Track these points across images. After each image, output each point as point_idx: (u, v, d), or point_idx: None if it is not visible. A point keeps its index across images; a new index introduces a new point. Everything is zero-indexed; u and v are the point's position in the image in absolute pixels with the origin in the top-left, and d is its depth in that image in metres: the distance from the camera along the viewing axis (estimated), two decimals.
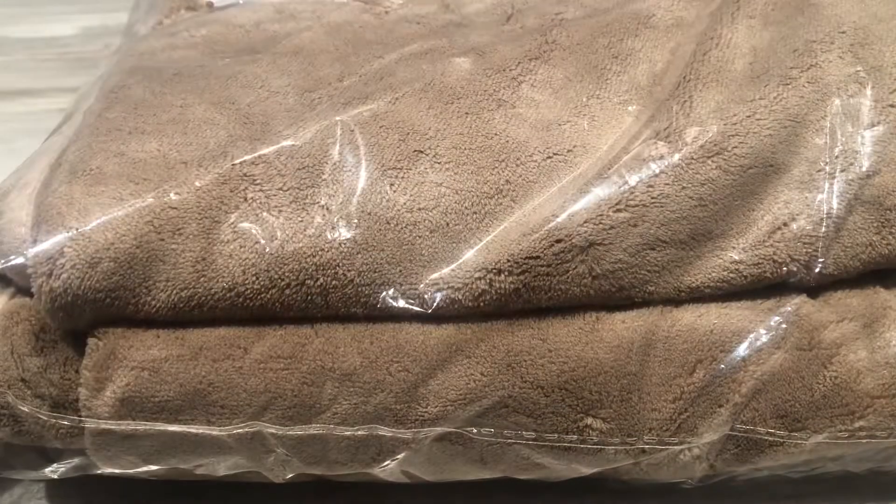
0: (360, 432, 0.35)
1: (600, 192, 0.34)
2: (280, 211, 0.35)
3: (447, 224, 0.34)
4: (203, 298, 0.34)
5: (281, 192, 0.35)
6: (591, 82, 0.38)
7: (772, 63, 0.37)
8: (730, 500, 0.41)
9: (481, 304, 0.34)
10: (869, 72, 0.36)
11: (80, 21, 0.70)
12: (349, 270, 0.34)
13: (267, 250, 0.34)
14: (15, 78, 0.66)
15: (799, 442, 0.36)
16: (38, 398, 0.35)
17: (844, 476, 0.41)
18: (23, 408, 0.35)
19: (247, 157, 0.36)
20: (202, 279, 0.34)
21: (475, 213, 0.35)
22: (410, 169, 0.35)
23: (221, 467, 0.37)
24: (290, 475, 0.37)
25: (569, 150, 0.36)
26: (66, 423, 0.36)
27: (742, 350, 0.35)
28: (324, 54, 0.40)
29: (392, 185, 0.35)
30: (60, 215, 0.34)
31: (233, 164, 0.35)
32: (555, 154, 0.36)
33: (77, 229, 0.34)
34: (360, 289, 0.34)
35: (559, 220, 0.34)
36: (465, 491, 0.41)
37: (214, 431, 0.35)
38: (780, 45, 0.37)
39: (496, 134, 0.36)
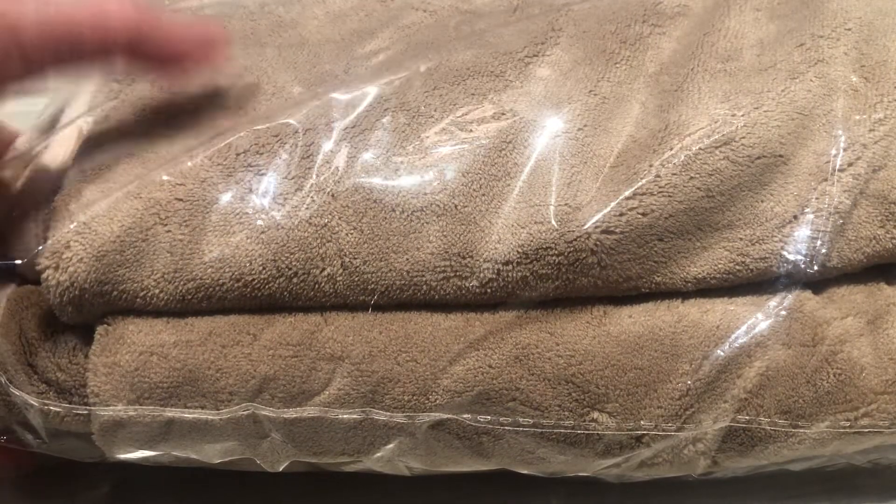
0: (355, 416, 0.35)
1: (611, 182, 0.34)
2: (286, 199, 0.35)
3: (455, 207, 0.34)
4: (211, 289, 0.34)
5: (286, 180, 0.35)
6: (601, 65, 0.38)
7: (779, 56, 0.37)
8: (731, 499, 0.41)
9: (488, 290, 0.35)
10: (874, 67, 0.36)
11: None
12: (355, 259, 0.34)
13: (273, 240, 0.34)
14: None
15: (802, 435, 0.36)
16: (45, 383, 0.36)
17: (845, 475, 0.41)
18: (26, 394, 0.35)
19: (251, 148, 0.36)
20: (210, 270, 0.34)
21: (483, 195, 0.35)
22: (417, 153, 0.35)
23: (220, 453, 0.37)
24: (284, 464, 0.37)
25: (579, 129, 0.36)
26: (73, 408, 0.36)
27: (746, 346, 0.35)
28: (329, 45, 0.40)
29: (398, 170, 0.35)
30: (69, 211, 0.35)
31: (237, 155, 0.35)
32: (564, 133, 0.36)
33: (83, 223, 0.34)
34: (366, 276, 0.34)
35: (571, 210, 0.34)
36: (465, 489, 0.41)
37: (215, 416, 0.35)
38: (786, 38, 0.37)
39: (503, 113, 0.36)
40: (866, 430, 0.36)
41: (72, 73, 0.35)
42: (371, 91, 0.37)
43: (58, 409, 0.36)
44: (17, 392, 0.35)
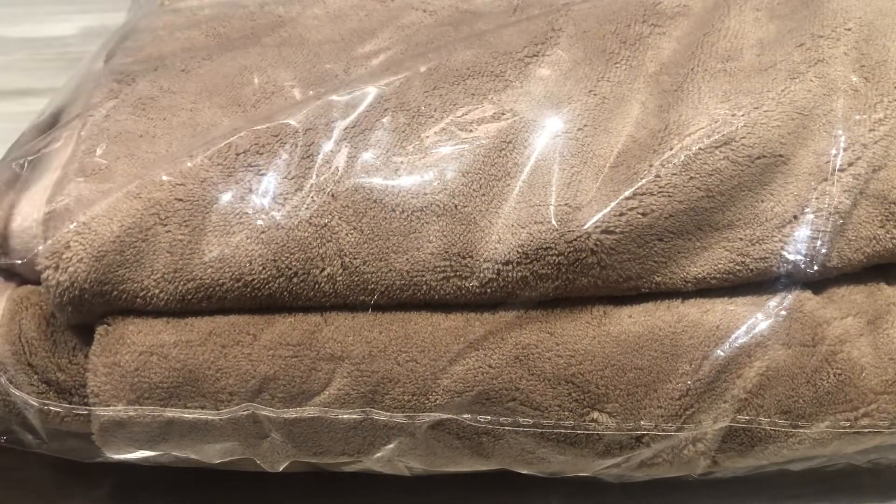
0: (355, 416, 0.35)
1: (611, 182, 0.34)
2: (286, 199, 0.35)
3: (455, 207, 0.34)
4: (211, 289, 0.34)
5: (286, 180, 0.35)
6: (601, 65, 0.38)
7: (779, 56, 0.37)
8: (731, 499, 0.41)
9: (488, 290, 0.35)
10: (874, 67, 0.36)
11: (80, 21, 0.71)
12: (355, 259, 0.34)
13: (273, 240, 0.34)
14: (15, 78, 0.66)
15: (802, 435, 0.36)
16: (45, 383, 0.36)
17: (845, 475, 0.41)
18: (26, 394, 0.35)
19: (251, 148, 0.35)
20: (209, 270, 0.34)
21: (483, 195, 0.35)
22: (417, 153, 0.35)
23: (220, 453, 0.37)
24: (284, 464, 0.37)
25: (579, 129, 0.36)
26: (73, 408, 0.36)
27: (746, 346, 0.35)
28: (329, 44, 0.40)
29: (398, 170, 0.35)
30: (69, 211, 0.35)
31: (237, 155, 0.35)
32: (564, 132, 0.36)
33: (83, 223, 0.34)
34: (366, 276, 0.34)
35: (571, 210, 0.34)
36: (465, 490, 0.41)
37: (215, 416, 0.35)
38: (786, 38, 0.37)
39: (503, 113, 0.36)
40: (866, 430, 0.36)
41: None
42: (371, 91, 0.37)
43: (58, 410, 0.36)
44: (17, 392, 0.35)
